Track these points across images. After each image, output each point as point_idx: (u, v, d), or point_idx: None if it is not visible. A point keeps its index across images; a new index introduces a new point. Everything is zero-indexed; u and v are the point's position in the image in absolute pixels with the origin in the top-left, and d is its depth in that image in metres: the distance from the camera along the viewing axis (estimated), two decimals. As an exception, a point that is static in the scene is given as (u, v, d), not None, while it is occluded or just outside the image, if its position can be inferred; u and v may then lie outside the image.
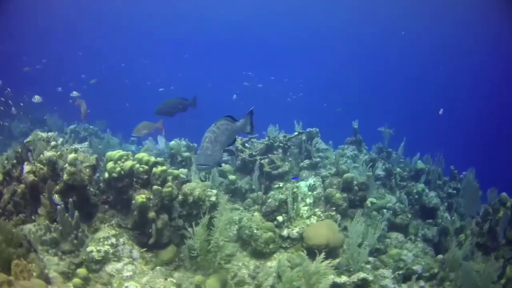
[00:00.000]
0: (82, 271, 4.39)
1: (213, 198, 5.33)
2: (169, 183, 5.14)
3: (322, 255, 4.02)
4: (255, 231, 5.54)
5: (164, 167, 5.21)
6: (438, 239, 6.50)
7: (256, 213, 5.94)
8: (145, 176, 5.16)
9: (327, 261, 4.01)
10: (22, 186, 5.03)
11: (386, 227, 6.22)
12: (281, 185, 6.81)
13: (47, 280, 4.19)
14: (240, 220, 5.78)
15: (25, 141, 5.46)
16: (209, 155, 3.79)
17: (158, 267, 4.87)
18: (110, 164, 5.13)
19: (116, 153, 5.31)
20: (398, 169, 8.02)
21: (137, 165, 5.14)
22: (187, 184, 5.35)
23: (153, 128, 6.54)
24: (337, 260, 4.42)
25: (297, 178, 6.95)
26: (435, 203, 7.13)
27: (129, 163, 5.13)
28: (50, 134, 5.61)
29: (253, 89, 23.24)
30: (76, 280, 4.23)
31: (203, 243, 4.76)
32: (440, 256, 5.74)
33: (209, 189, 5.41)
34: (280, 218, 5.88)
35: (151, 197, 5.03)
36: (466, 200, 7.61)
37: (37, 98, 9.78)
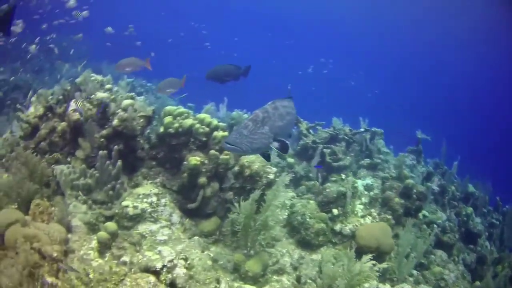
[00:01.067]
0: (111, 225, 3.56)
1: (271, 176, 4.40)
2: (228, 151, 3.97)
3: (369, 256, 3.41)
4: (307, 219, 4.66)
5: (225, 133, 4.38)
6: (475, 266, 5.66)
7: (311, 201, 4.93)
8: (204, 139, 4.32)
9: (372, 263, 3.39)
10: (64, 124, 3.95)
11: (433, 242, 5.32)
12: (343, 177, 5.53)
13: (69, 228, 3.32)
14: (293, 205, 4.87)
15: (76, 80, 4.20)
16: (244, 136, 2.58)
17: (196, 237, 4.04)
18: (168, 119, 4.33)
19: (176, 108, 4.50)
20: (453, 188, 6.63)
21: (198, 125, 4.32)
22: (246, 156, 4.19)
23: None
24: (383, 265, 3.67)
25: (321, 166, 5.54)
26: (479, 229, 6.30)
27: (189, 121, 4.32)
28: (105, 78, 4.37)
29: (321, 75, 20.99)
30: (102, 234, 3.40)
31: (248, 219, 3.87)
32: (477, 283, 5.01)
33: (268, 166, 4.43)
34: (335, 211, 4.91)
35: (206, 161, 4.20)
36: (508, 232, 6.59)
37: (84, 13, 7.77)
